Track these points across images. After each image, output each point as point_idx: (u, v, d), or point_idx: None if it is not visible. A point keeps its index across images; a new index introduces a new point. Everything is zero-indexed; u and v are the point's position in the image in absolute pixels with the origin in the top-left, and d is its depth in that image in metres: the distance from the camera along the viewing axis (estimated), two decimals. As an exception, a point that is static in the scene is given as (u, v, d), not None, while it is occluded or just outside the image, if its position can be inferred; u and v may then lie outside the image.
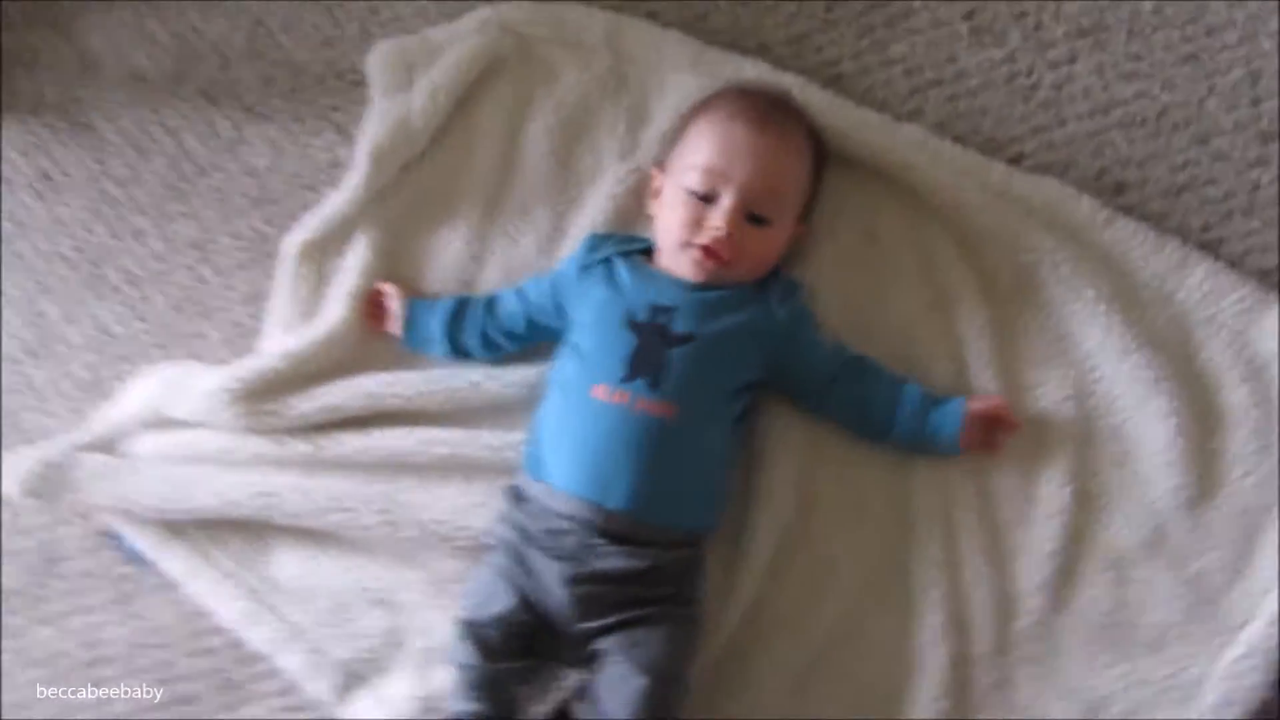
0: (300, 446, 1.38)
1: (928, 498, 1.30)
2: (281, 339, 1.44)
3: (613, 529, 1.22)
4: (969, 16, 1.39)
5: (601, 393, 1.24)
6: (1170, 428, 1.27)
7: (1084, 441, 1.30)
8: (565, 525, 1.23)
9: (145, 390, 1.44)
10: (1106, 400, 1.30)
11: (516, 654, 1.23)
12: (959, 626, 1.28)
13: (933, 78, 1.39)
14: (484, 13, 1.46)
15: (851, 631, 1.30)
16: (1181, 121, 1.35)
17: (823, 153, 1.35)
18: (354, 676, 1.34)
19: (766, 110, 1.30)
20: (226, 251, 1.47)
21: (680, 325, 1.26)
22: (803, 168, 1.31)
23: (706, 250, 1.26)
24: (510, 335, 1.36)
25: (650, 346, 1.25)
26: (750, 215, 1.27)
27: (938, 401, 1.29)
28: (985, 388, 1.31)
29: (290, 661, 1.36)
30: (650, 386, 1.24)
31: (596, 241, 1.35)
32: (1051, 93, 1.37)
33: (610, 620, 1.21)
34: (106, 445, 1.43)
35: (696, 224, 1.27)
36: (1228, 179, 1.33)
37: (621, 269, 1.31)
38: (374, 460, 1.37)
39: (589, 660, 1.24)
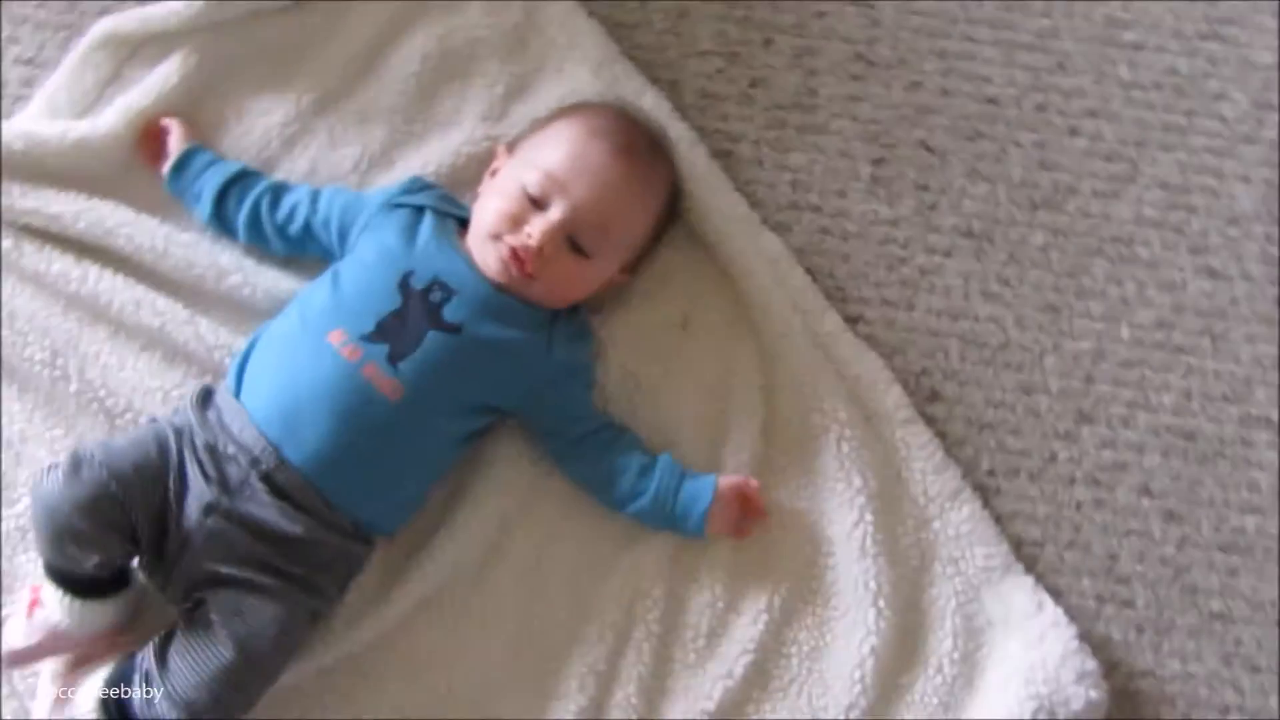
0: (3, 240, 1.18)
1: (614, 606, 1.17)
2: (34, 120, 1.24)
3: (279, 480, 1.06)
4: (876, 163, 1.30)
5: (336, 339, 1.08)
6: (868, 646, 1.16)
7: (785, 619, 1.18)
8: (233, 451, 1.06)
9: None
10: (826, 590, 1.19)
11: (112, 526, 1.03)
12: (585, 742, 1.19)
13: (815, 203, 1.28)
14: None
15: (473, 702, 1.15)
16: (1015, 363, 1.27)
17: (675, 213, 1.24)
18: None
19: (636, 143, 1.18)
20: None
21: (453, 313, 1.11)
22: (646, 217, 1.19)
23: (513, 253, 1.12)
24: (281, 231, 1.19)
25: (411, 317, 1.10)
26: (571, 241, 1.13)
27: (691, 476, 1.17)
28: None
29: None
30: (389, 358, 1.08)
31: (417, 185, 1.20)
32: (915, 274, 1.28)
33: (229, 570, 1.04)
34: None
35: (515, 222, 1.13)
36: (1032, 438, 1.26)
37: (427, 225, 1.16)
38: (75, 294, 1.17)
39: (183, 600, 1.06)
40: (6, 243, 1.18)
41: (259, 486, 1.06)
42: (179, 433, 1.08)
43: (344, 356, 1.08)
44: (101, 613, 1.09)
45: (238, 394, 1.10)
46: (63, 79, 1.25)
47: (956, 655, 1.19)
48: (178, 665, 1.03)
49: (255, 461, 1.07)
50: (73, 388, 1.16)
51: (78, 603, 1.08)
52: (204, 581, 1.06)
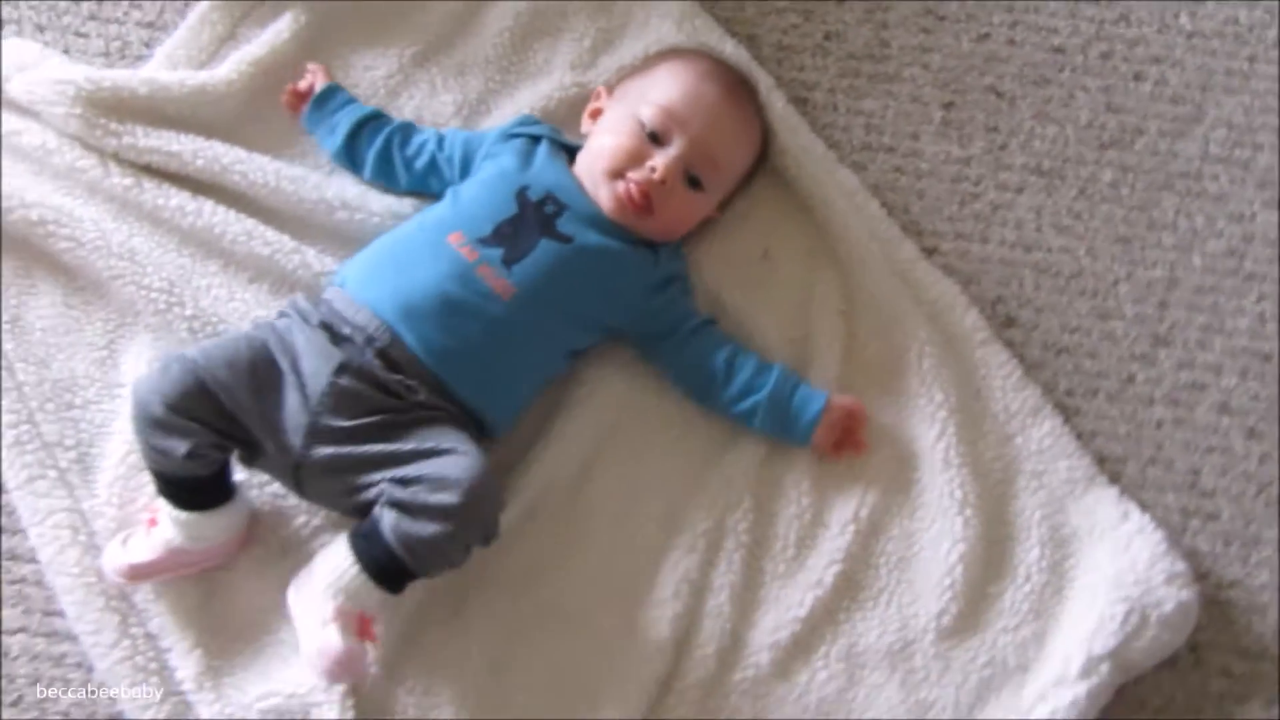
0: (122, 178, 1.21)
1: (704, 517, 1.16)
2: (155, 70, 1.28)
3: (393, 355, 1.07)
4: (946, 107, 1.31)
5: (454, 240, 1.11)
6: (956, 554, 1.14)
7: (872, 532, 1.17)
8: (348, 331, 1.07)
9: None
10: (912, 503, 1.18)
11: (196, 415, 1.04)
12: (679, 651, 1.13)
13: (889, 144, 1.29)
14: None
15: (574, 612, 1.14)
16: (1090, 290, 1.26)
17: (765, 155, 1.25)
18: (63, 454, 1.16)
19: (739, 86, 1.21)
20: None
21: (564, 225, 1.13)
22: (749, 154, 1.22)
23: (635, 189, 1.13)
24: (409, 165, 1.22)
25: (526, 224, 1.12)
26: (689, 175, 1.15)
27: (806, 385, 1.17)
28: (807, 437, 1.22)
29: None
30: (503, 260, 1.10)
31: (530, 120, 1.23)
32: (987, 209, 1.28)
33: (366, 421, 1.05)
34: None
35: (635, 158, 1.14)
36: (1108, 360, 1.24)
37: (543, 150, 1.19)
38: (190, 227, 1.20)
39: (294, 474, 1.07)
40: (127, 180, 1.20)
41: (375, 362, 1.07)
42: (279, 331, 1.09)
43: (461, 255, 1.11)
44: (211, 525, 1.10)
45: (344, 287, 1.12)
46: (181, 37, 1.29)
47: (1044, 564, 1.16)
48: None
49: (371, 340, 1.07)
50: (187, 311, 1.18)
51: (188, 516, 1.08)
52: (355, 455, 1.05)
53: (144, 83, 1.24)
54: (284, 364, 1.07)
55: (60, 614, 1.15)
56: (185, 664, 1.11)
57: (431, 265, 1.11)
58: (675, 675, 1.13)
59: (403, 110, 1.29)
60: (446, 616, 1.14)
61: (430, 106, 1.28)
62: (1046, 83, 1.33)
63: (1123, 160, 1.31)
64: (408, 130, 1.24)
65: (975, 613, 1.16)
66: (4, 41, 1.27)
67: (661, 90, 1.17)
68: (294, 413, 1.06)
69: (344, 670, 1.04)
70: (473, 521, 1.04)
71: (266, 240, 1.20)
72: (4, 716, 1.13)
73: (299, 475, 1.08)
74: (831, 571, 1.16)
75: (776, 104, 1.27)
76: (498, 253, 1.11)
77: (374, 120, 1.24)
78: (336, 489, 1.08)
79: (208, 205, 1.21)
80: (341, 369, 1.06)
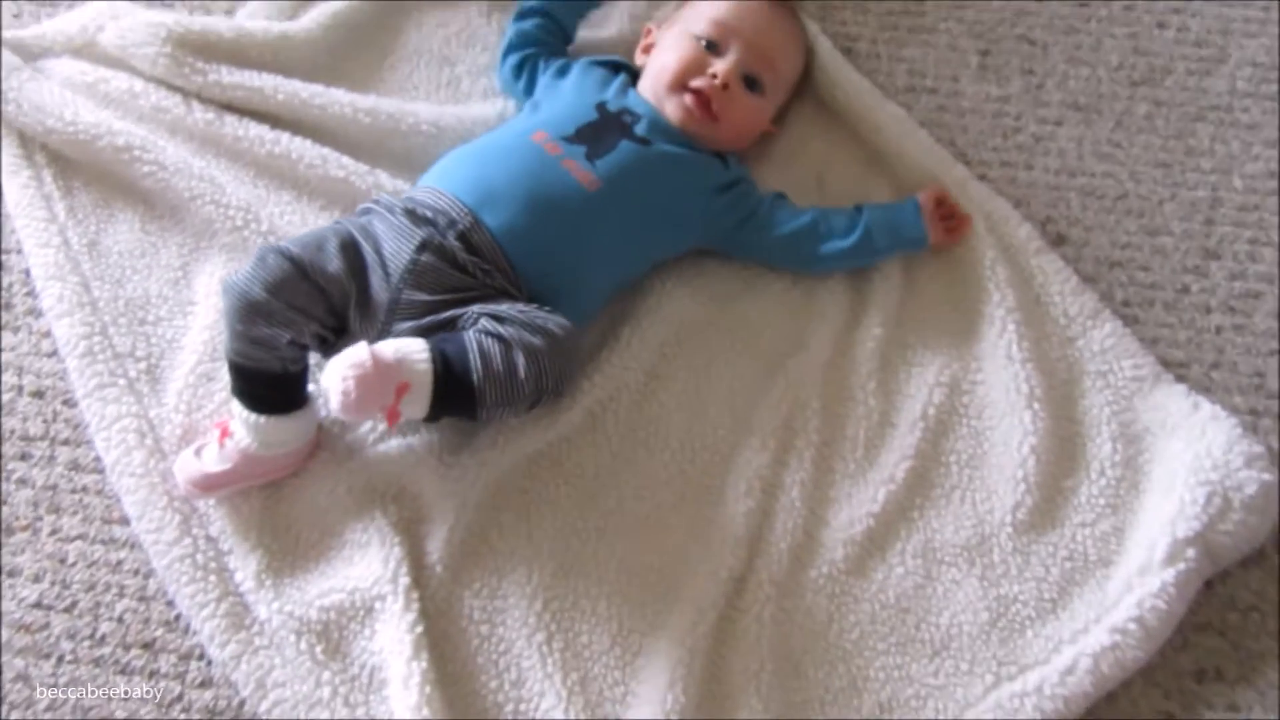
0: (204, 114, 1.20)
1: (774, 416, 1.10)
2: (241, 18, 1.30)
3: (473, 239, 1.03)
4: (984, 53, 1.31)
5: (539, 138, 1.09)
6: (1027, 447, 1.07)
7: (940, 430, 1.10)
8: (430, 215, 1.04)
9: (92, 13, 1.31)
10: (978, 402, 1.11)
11: (299, 303, 0.99)
12: (752, 548, 1.05)
13: (931, 86, 1.28)
14: None
15: (644, 514, 1.07)
16: (1136, 210, 1.23)
17: (808, 68, 1.25)
18: (133, 364, 1.12)
19: (781, 2, 1.22)
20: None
21: (642, 131, 1.12)
22: (799, 58, 1.22)
23: (699, 95, 1.13)
24: (520, 68, 1.23)
25: (606, 127, 1.11)
26: (747, 78, 1.15)
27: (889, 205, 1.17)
28: (872, 339, 1.14)
29: (64, 330, 1.13)
30: (587, 156, 1.08)
31: (611, 57, 1.25)
32: (1030, 140, 1.26)
33: (444, 297, 1.02)
34: (28, 53, 1.26)
35: (696, 68, 1.14)
36: (1162, 272, 1.20)
37: (620, 79, 1.19)
38: (266, 155, 1.19)
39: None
40: (209, 115, 1.20)
41: (455, 244, 1.03)
42: (361, 223, 1.06)
43: (545, 150, 1.08)
44: (287, 430, 1.04)
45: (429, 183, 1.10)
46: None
47: (1118, 459, 1.08)
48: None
49: (452, 223, 1.04)
50: (263, 228, 1.16)
51: (265, 420, 1.02)
52: (433, 321, 1.01)
53: (230, 28, 1.24)
54: (367, 248, 1.03)
55: (120, 522, 1.08)
56: (245, 565, 1.03)
57: (516, 158, 1.09)
58: (750, 572, 1.04)
59: (476, 60, 1.29)
60: (513, 521, 1.06)
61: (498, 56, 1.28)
62: (1075, 31, 1.32)
63: (1155, 96, 1.29)
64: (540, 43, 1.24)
65: (1051, 507, 1.07)
66: (85, 4, 1.31)
67: (710, 7, 1.18)
68: (378, 292, 1.02)
69: (360, 390, 0.92)
70: (557, 360, 0.98)
71: (341, 164, 1.18)
72: (59, 622, 1.06)
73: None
74: (903, 467, 1.09)
75: (823, 45, 1.26)
76: (581, 149, 1.09)
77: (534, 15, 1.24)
78: None
79: (285, 135, 1.20)
80: (423, 246, 1.02)
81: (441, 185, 1.08)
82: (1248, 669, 1.04)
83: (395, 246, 1.03)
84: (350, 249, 1.03)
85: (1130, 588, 1.03)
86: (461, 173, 1.09)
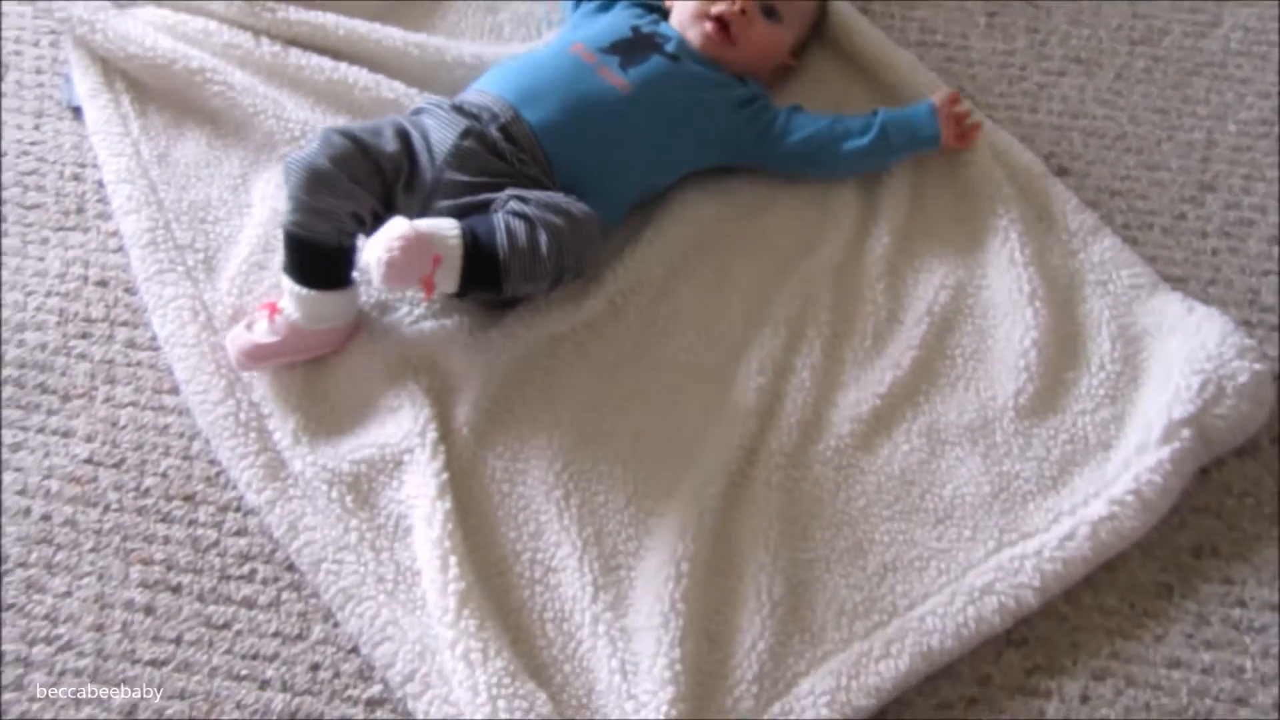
0: (271, 47, 1.31)
1: (787, 308, 1.17)
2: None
3: (513, 131, 1.13)
4: (991, 15, 1.41)
5: (577, 49, 1.19)
6: (1029, 340, 1.13)
7: (945, 326, 1.16)
8: (474, 110, 1.14)
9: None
10: (983, 304, 1.18)
11: (360, 177, 1.08)
12: (763, 421, 1.10)
13: (941, 41, 1.38)
14: None
15: (661, 391, 1.13)
16: (1135, 148, 1.30)
17: (824, 7, 1.35)
18: (191, 254, 1.21)
19: None
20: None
21: (671, 48, 1.22)
22: None
23: (719, 21, 1.23)
24: None
25: (639, 43, 1.22)
26: (764, 7, 1.25)
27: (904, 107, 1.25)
28: (881, 246, 1.21)
29: (130, 225, 1.22)
30: (620, 65, 1.18)
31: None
32: (1034, 87, 1.34)
33: (483, 180, 1.10)
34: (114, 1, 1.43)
35: None
36: (1160, 201, 1.26)
37: (651, 15, 1.28)
38: (326, 82, 1.29)
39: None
40: (276, 48, 1.31)
41: (497, 135, 1.12)
42: (412, 119, 1.15)
43: (583, 58, 1.19)
44: (333, 305, 1.11)
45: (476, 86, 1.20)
46: None
47: (1117, 355, 1.13)
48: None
49: (495, 116, 1.13)
50: None
51: (314, 294, 1.09)
52: (469, 202, 1.09)
53: (296, -26, 1.40)
54: (416, 136, 1.12)
55: (170, 391, 1.15)
56: (283, 426, 1.09)
57: (555, 66, 1.19)
58: (760, 444, 1.09)
59: (517, 10, 1.41)
60: (536, 394, 1.12)
61: (541, 7, 1.40)
62: (1076, -1, 1.45)
63: (1153, 53, 1.38)
64: None
65: (1053, 395, 1.12)
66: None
67: None
68: (424, 171, 1.11)
69: (404, 258, 1.00)
70: (578, 240, 1.05)
71: (392, 88, 1.28)
72: (107, 476, 1.12)
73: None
74: (909, 356, 1.14)
75: (841, 4, 1.37)
76: (615, 59, 1.19)
77: None
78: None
79: (343, 65, 1.30)
80: (465, 133, 1.11)
81: (487, 87, 1.18)
82: (1243, 548, 1.06)
83: (441, 134, 1.13)
84: (403, 135, 1.12)
85: (1128, 465, 1.07)
86: (506, 78, 1.19)
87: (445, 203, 1.10)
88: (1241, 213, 1.26)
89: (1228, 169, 1.29)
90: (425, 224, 1.03)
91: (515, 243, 1.03)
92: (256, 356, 1.12)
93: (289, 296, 1.12)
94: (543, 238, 1.04)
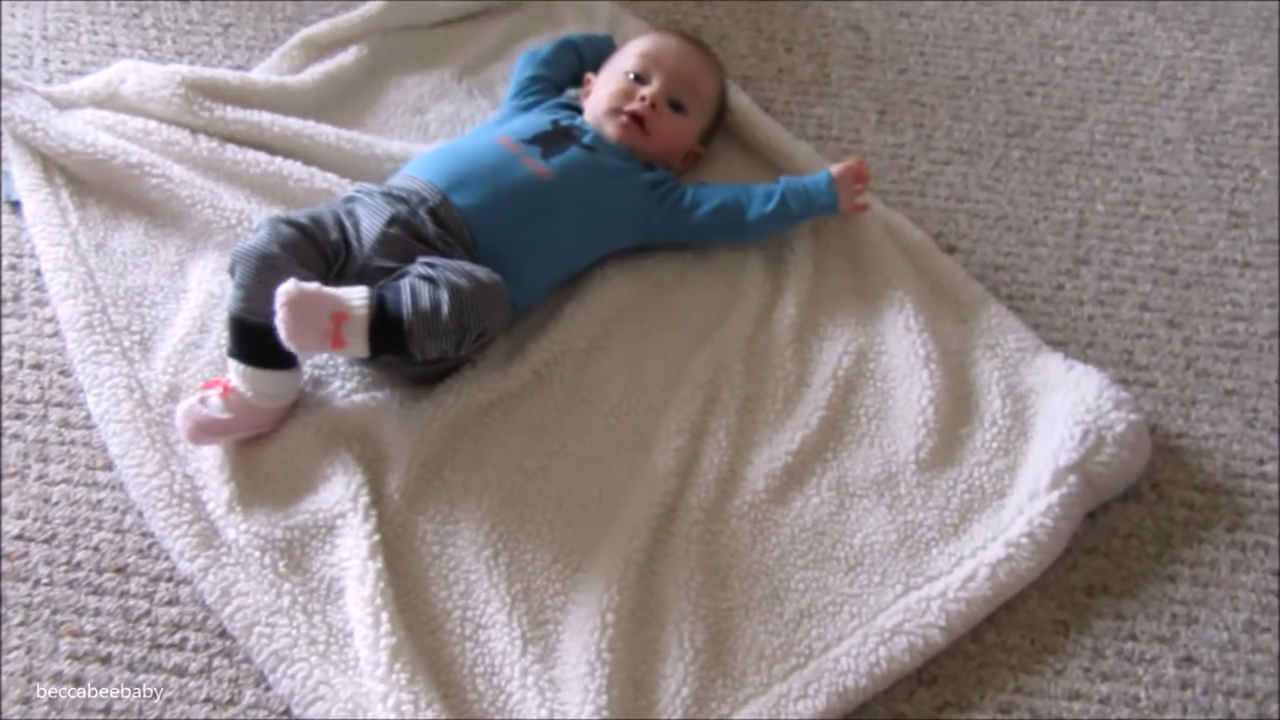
0: (208, 144, 1.37)
1: (702, 373, 1.23)
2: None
3: (441, 215, 1.19)
4: (880, 113, 1.53)
5: (502, 140, 1.28)
6: (926, 399, 1.20)
7: (849, 388, 1.23)
8: (404, 195, 1.20)
9: (116, 70, 1.52)
10: (883, 368, 1.25)
11: (304, 260, 1.14)
12: (682, 479, 1.16)
13: (836, 135, 1.49)
14: None
15: (584, 454, 1.19)
16: (1015, 227, 1.41)
17: (724, 99, 1.45)
18: (128, 336, 1.24)
19: (692, 38, 1.45)
20: (255, 26, 1.59)
21: (588, 140, 1.31)
22: (715, 83, 1.41)
23: (632, 115, 1.33)
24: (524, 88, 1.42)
25: (558, 135, 1.31)
26: (671, 102, 1.35)
27: (806, 177, 1.36)
28: (788, 317, 1.29)
29: (67, 310, 1.25)
30: (543, 155, 1.27)
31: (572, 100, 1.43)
32: (922, 175, 1.45)
33: (403, 266, 1.15)
34: (57, 104, 1.43)
35: (625, 97, 1.34)
36: (1039, 274, 1.36)
37: (568, 111, 1.38)
38: (260, 175, 1.36)
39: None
40: (213, 144, 1.37)
41: (425, 217, 1.18)
42: (345, 206, 1.21)
43: (508, 149, 1.27)
44: (283, 384, 1.15)
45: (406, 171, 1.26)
46: (271, 65, 1.51)
47: (1007, 411, 1.21)
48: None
49: (424, 200, 1.20)
50: (253, 226, 1.25)
51: (265, 373, 1.13)
52: (383, 272, 1.15)
53: (237, 78, 1.44)
54: (348, 224, 1.18)
55: (103, 468, 1.17)
56: (217, 496, 1.11)
57: (482, 155, 1.26)
58: (679, 501, 1.14)
59: (443, 111, 1.49)
60: (465, 460, 1.17)
61: (466, 107, 1.49)
62: (957, 98, 1.56)
63: (1026, 144, 1.50)
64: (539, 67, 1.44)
65: (950, 449, 1.20)
66: (121, 61, 1.51)
67: (635, 46, 1.40)
68: (355, 257, 1.17)
69: (296, 303, 1.06)
70: (480, 301, 1.10)
71: (325, 178, 1.35)
72: (38, 551, 1.13)
73: None
74: (817, 416, 1.21)
75: (743, 99, 1.48)
76: (537, 149, 1.27)
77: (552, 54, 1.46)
78: None
79: (278, 158, 1.37)
80: (391, 220, 1.17)
81: (416, 172, 1.25)
82: (1131, 585, 1.13)
83: (370, 222, 1.19)
84: (339, 223, 1.18)
85: (1021, 511, 1.14)
86: (434, 164, 1.26)
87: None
88: (1114, 283, 1.37)
89: (1099, 244, 1.41)
90: (330, 290, 1.08)
91: (418, 303, 1.09)
92: (210, 431, 1.14)
93: (238, 377, 1.15)
94: (444, 296, 1.09)
